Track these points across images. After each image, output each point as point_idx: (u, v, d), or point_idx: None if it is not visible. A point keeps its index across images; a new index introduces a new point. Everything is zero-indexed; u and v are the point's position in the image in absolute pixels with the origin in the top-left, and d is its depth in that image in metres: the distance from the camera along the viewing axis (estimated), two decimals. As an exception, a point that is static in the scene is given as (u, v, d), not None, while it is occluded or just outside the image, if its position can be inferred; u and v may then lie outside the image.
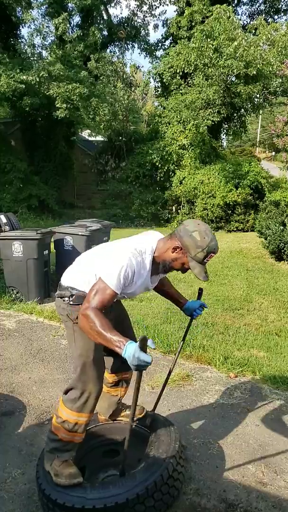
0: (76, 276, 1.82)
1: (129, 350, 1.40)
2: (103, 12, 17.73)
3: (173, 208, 14.26)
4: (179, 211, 13.96)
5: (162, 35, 18.18)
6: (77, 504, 1.59)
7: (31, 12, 14.06)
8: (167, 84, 15.31)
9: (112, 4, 18.27)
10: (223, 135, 16.94)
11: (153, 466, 1.73)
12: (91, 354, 1.76)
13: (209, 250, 1.63)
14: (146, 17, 19.65)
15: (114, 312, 1.95)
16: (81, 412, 1.78)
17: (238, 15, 18.20)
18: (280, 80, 12.51)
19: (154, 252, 1.72)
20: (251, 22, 15.13)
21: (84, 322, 1.54)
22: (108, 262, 1.65)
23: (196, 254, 1.63)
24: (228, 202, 12.11)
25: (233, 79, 12.93)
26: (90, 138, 20.09)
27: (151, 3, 18.29)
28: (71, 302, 1.76)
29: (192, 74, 14.22)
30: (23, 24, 14.44)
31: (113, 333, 1.48)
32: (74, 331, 1.78)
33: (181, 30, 15.52)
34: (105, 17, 18.01)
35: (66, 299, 1.77)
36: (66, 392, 1.83)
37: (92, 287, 1.62)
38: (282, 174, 13.71)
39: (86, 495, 1.64)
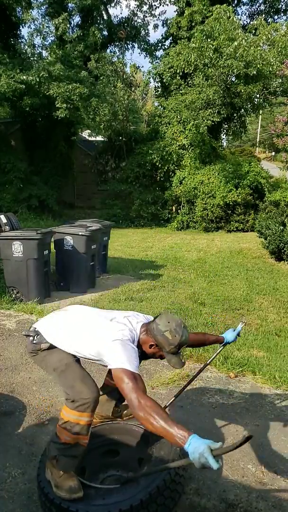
0: (49, 329, 1.92)
1: (195, 445, 1.32)
2: (103, 12, 17.74)
3: (173, 208, 14.27)
4: (179, 211, 13.97)
5: (162, 35, 18.18)
6: (81, 510, 1.59)
7: (31, 12, 14.07)
8: (167, 84, 15.32)
9: (112, 4, 18.28)
10: (223, 135, 16.95)
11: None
12: (64, 362, 1.85)
13: (180, 345, 1.82)
14: (146, 17, 19.71)
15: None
16: (83, 412, 1.76)
17: (238, 15, 18.25)
18: (280, 80, 12.52)
19: (139, 339, 1.87)
20: (251, 22, 15.15)
21: (142, 417, 1.51)
22: (115, 353, 1.71)
23: (170, 349, 1.81)
24: (228, 202, 12.12)
25: (233, 79, 12.93)
26: (90, 138, 20.08)
27: (151, 3, 18.30)
28: (34, 341, 1.91)
29: (192, 74, 14.22)
30: (23, 24, 14.43)
31: (173, 425, 1.44)
32: (43, 357, 1.92)
33: (181, 30, 15.52)
34: (105, 17, 18.02)
35: (31, 338, 1.92)
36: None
37: (119, 381, 1.63)
38: (282, 174, 13.71)
39: (90, 501, 1.64)
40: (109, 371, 2.16)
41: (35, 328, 1.94)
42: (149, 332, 1.85)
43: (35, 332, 1.91)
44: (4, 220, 6.74)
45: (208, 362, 2.44)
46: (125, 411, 2.24)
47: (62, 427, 1.78)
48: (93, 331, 1.84)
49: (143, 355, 1.93)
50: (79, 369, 1.86)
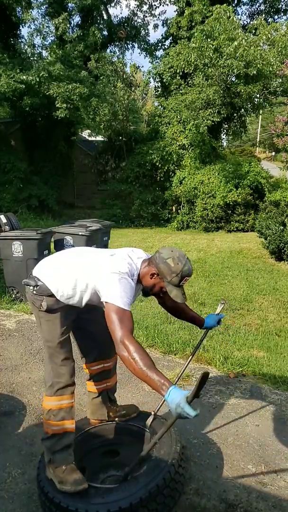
0: (48, 272, 1.87)
1: (173, 397, 1.36)
2: (103, 12, 17.74)
3: (173, 208, 14.26)
4: (179, 211, 13.96)
5: (162, 35, 18.15)
6: (80, 508, 1.59)
7: (31, 12, 14.08)
8: (167, 84, 15.30)
9: (112, 4, 18.28)
10: (223, 135, 16.92)
11: (155, 469, 1.72)
12: (56, 339, 1.85)
13: (183, 275, 1.76)
14: (146, 17, 19.71)
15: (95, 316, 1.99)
16: (62, 395, 1.83)
17: (238, 15, 18.23)
18: (280, 80, 12.50)
19: (139, 273, 1.83)
20: (251, 22, 15.13)
21: (125, 357, 1.53)
22: (109, 285, 1.69)
23: (172, 279, 1.77)
24: (228, 202, 12.11)
25: (233, 79, 12.92)
26: (90, 138, 20.09)
27: (151, 3, 18.30)
28: (34, 292, 1.84)
29: (192, 74, 14.21)
30: (23, 24, 14.44)
31: (155, 372, 1.45)
32: (39, 317, 1.89)
33: (181, 30, 15.50)
34: (105, 17, 18.03)
35: (31, 288, 1.85)
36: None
37: (108, 317, 1.63)
38: (282, 174, 13.70)
39: (90, 499, 1.64)
40: (89, 377, 2.17)
41: (35, 276, 1.87)
42: (151, 262, 1.82)
43: (35, 281, 1.84)
44: (4, 220, 6.75)
45: (196, 346, 2.36)
46: (121, 412, 2.22)
47: (47, 418, 1.84)
48: (94, 264, 1.82)
49: (144, 292, 1.91)
50: (66, 351, 1.89)
